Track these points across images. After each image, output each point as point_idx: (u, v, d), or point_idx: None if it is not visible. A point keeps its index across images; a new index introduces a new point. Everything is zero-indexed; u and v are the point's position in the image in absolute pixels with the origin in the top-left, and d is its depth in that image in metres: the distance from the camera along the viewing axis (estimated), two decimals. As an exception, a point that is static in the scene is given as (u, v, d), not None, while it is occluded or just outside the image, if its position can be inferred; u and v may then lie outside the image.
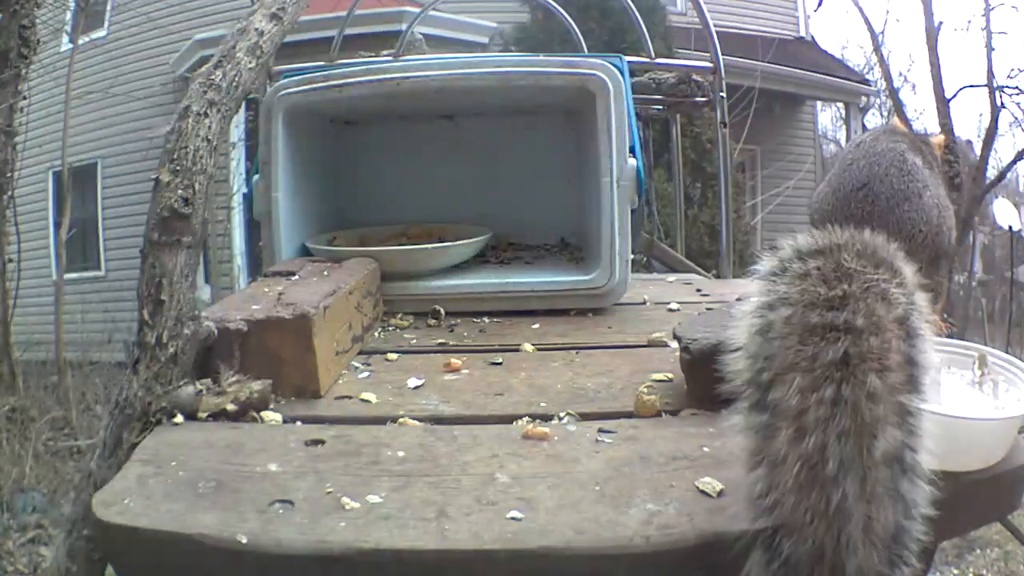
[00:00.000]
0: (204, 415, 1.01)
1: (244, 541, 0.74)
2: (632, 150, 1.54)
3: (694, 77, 2.64)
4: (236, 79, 1.18)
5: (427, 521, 0.77)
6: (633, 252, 1.67)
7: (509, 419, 1.02)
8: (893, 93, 10.49)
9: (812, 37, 11.11)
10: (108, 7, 8.46)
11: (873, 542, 0.61)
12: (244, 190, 6.74)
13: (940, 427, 0.82)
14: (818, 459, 0.61)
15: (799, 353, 0.64)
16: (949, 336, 1.08)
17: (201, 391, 1.03)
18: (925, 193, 1.17)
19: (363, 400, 1.11)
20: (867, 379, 0.62)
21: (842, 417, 0.61)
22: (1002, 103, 9.08)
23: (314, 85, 1.58)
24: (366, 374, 1.23)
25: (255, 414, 1.03)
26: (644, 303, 1.68)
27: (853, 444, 0.61)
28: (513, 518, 0.77)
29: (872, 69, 11.40)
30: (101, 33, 8.36)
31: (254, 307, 1.12)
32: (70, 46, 6.42)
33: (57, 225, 6.18)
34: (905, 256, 0.71)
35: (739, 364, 0.69)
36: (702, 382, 1.07)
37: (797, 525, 0.62)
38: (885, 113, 11.44)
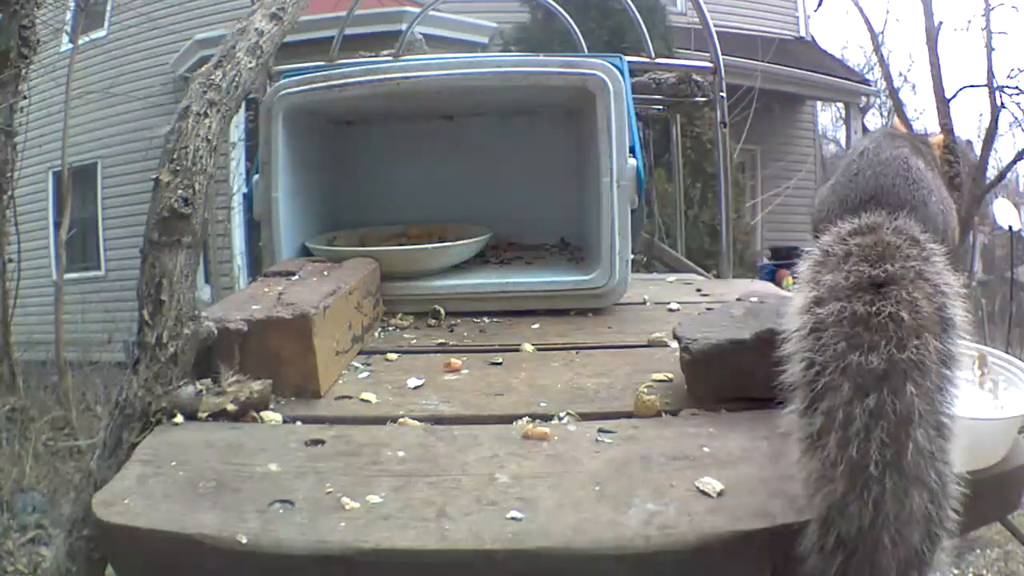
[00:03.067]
0: (204, 415, 1.01)
1: (244, 541, 0.74)
2: (632, 150, 1.54)
3: (694, 77, 2.64)
4: (236, 79, 1.18)
5: (427, 521, 0.77)
6: (633, 252, 1.67)
7: (509, 419, 1.02)
8: (893, 93, 10.51)
9: (812, 37, 11.11)
10: (108, 7, 8.46)
11: (907, 521, 0.69)
12: (244, 190, 6.73)
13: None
14: (861, 462, 0.68)
15: (847, 359, 0.70)
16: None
17: (201, 391, 1.03)
18: (931, 199, 1.17)
19: (363, 400, 1.11)
20: (905, 389, 0.69)
21: (882, 429, 0.68)
22: (1002, 103, 9.09)
23: (314, 85, 1.58)
24: (366, 374, 1.23)
25: (255, 414, 1.03)
26: (644, 303, 1.68)
27: (891, 450, 0.68)
28: (513, 518, 0.77)
29: (872, 69, 11.41)
30: (101, 33, 8.36)
31: (254, 307, 1.12)
32: (70, 46, 6.41)
33: (57, 225, 6.18)
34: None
35: (794, 367, 0.75)
36: (702, 382, 1.07)
37: (844, 508, 0.69)
38: (885, 113, 11.46)
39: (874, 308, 0.71)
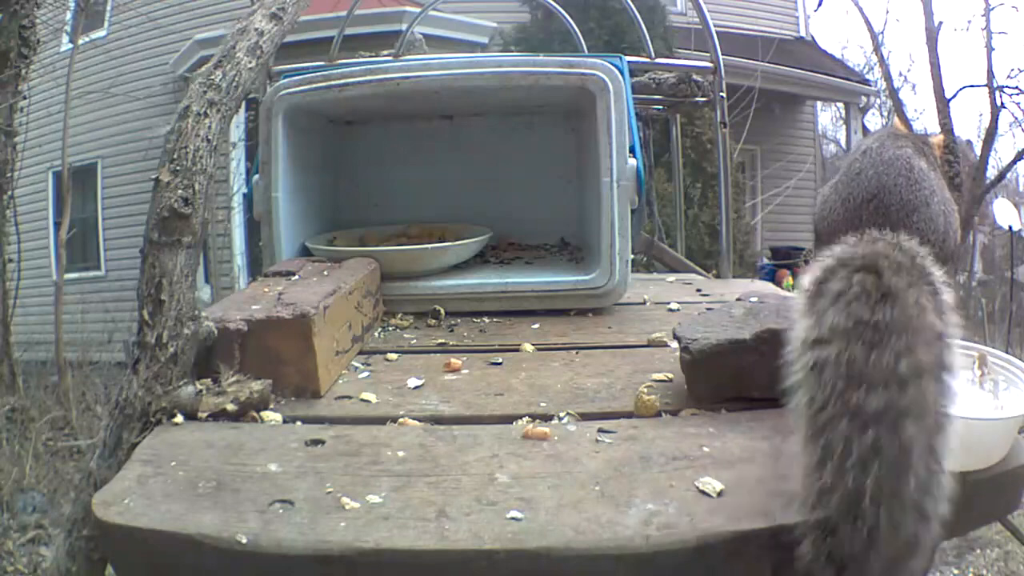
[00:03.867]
0: (204, 415, 1.01)
1: (244, 541, 0.74)
2: (632, 150, 1.54)
3: (694, 77, 2.64)
4: (236, 79, 1.18)
5: (427, 521, 0.77)
6: (633, 252, 1.67)
7: (509, 419, 1.02)
8: (893, 93, 10.50)
9: (812, 37, 11.11)
10: (108, 7, 8.45)
11: (900, 548, 0.71)
12: (244, 190, 6.73)
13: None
14: (855, 494, 0.70)
15: (847, 396, 0.72)
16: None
17: (201, 391, 1.03)
18: (933, 200, 1.18)
19: (363, 400, 1.11)
20: (905, 428, 0.71)
21: (879, 465, 0.70)
22: (1002, 103, 9.08)
23: (314, 85, 1.58)
24: (366, 374, 1.23)
25: (255, 414, 1.03)
26: (644, 303, 1.68)
27: (888, 484, 0.70)
28: (513, 518, 0.77)
29: (872, 69, 11.42)
30: (101, 33, 8.35)
31: (254, 307, 1.12)
32: (70, 46, 6.40)
33: (57, 225, 6.17)
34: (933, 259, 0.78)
35: (797, 400, 0.76)
36: (702, 382, 1.07)
37: (839, 526, 0.71)
38: (885, 113, 11.46)
39: (873, 354, 0.72)
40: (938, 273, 0.78)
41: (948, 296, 0.77)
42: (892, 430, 0.70)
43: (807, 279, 0.80)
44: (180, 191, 1.06)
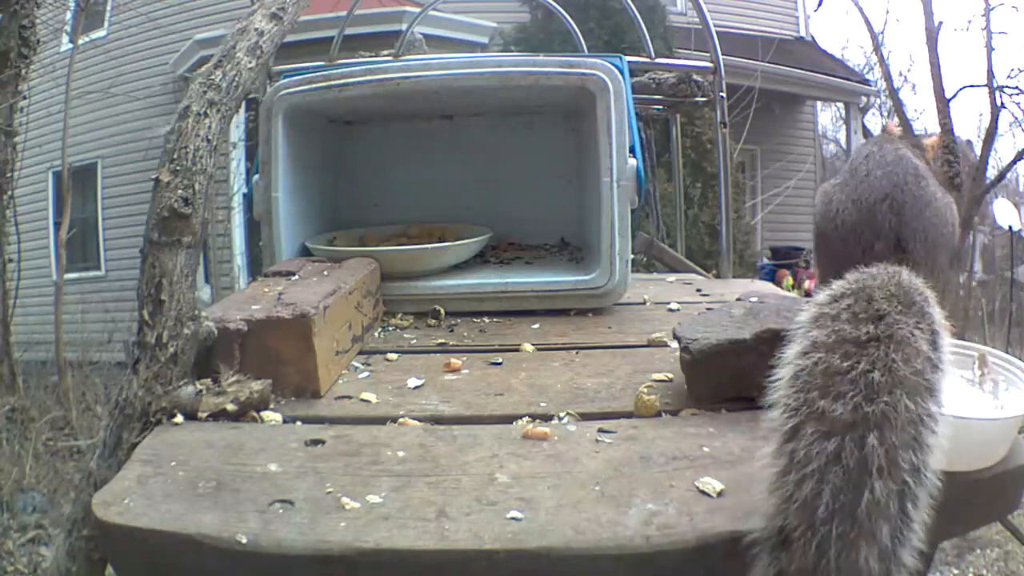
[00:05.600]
0: (204, 415, 1.01)
1: (244, 541, 0.74)
2: (632, 150, 1.54)
3: (694, 77, 2.63)
4: (236, 79, 1.18)
5: (427, 521, 0.77)
6: (633, 252, 1.67)
7: (509, 419, 1.02)
8: (893, 93, 10.49)
9: (812, 37, 11.11)
10: (108, 7, 8.45)
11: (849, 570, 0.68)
12: (244, 190, 6.73)
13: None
14: (813, 503, 0.69)
15: (815, 405, 0.72)
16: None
17: (201, 391, 1.03)
18: (938, 194, 1.19)
19: (363, 400, 1.11)
20: (867, 440, 0.69)
21: (836, 475, 0.68)
22: (1002, 103, 9.06)
23: (314, 85, 1.58)
24: (366, 374, 1.23)
25: (255, 414, 1.03)
26: (644, 303, 1.68)
27: (845, 496, 0.68)
28: (513, 518, 0.77)
29: (872, 69, 11.41)
30: (101, 33, 8.36)
31: (254, 307, 1.13)
32: (70, 46, 6.40)
33: (57, 225, 6.17)
34: (935, 296, 0.78)
35: (774, 412, 0.75)
36: (702, 382, 1.07)
37: (789, 546, 0.70)
38: (885, 113, 11.45)
39: (848, 363, 0.72)
40: (937, 313, 0.77)
41: (944, 335, 0.76)
42: (855, 441, 0.68)
43: (802, 316, 0.80)
44: (180, 191, 1.06)
